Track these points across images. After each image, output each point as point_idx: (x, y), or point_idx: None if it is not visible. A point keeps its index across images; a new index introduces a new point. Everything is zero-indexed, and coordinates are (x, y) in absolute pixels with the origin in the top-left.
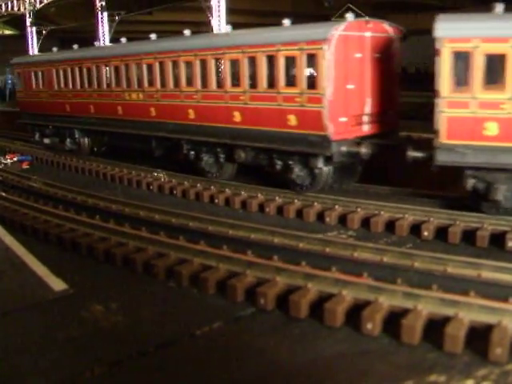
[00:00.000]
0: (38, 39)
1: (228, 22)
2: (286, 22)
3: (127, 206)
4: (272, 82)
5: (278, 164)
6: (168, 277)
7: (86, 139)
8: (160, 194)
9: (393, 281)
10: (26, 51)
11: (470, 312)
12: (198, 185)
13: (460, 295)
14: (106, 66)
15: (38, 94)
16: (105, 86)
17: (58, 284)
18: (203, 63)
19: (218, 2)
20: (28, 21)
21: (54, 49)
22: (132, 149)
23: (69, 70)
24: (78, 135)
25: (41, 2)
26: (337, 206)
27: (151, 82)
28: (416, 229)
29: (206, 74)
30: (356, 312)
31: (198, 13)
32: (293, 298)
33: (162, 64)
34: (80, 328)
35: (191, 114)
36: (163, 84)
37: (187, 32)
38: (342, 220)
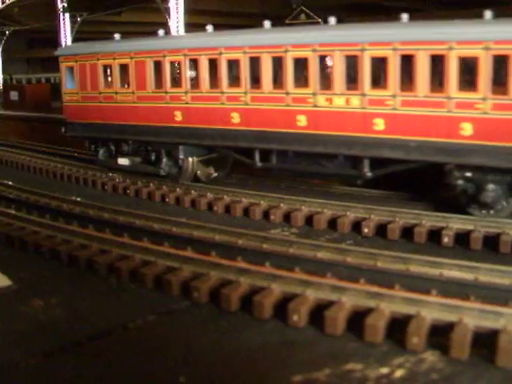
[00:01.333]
0: (1, 40)
1: (192, 24)
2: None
3: (78, 205)
4: None
5: None
6: (109, 273)
7: (191, 160)
8: (114, 194)
9: (323, 275)
10: None
11: (392, 304)
12: (151, 184)
13: (384, 288)
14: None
15: (112, 97)
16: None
17: (2, 280)
18: None
19: (176, 3)
20: None
21: (161, 31)
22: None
23: (185, 63)
24: (183, 155)
25: (3, 2)
26: (282, 205)
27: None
28: (358, 226)
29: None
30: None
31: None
32: (224, 292)
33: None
34: (18, 322)
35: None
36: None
37: None
38: (287, 218)
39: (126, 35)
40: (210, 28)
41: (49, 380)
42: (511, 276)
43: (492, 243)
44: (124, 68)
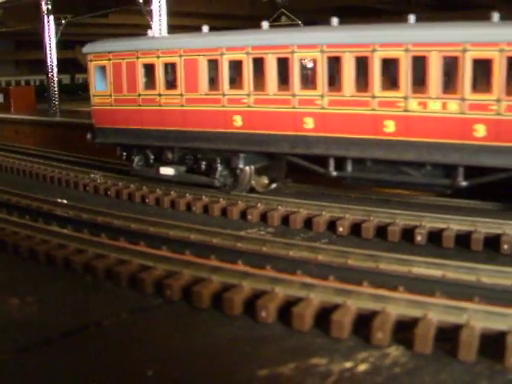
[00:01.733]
0: None
1: (180, 26)
2: None
3: (58, 206)
4: None
5: None
6: (85, 271)
7: (249, 169)
8: (95, 195)
9: (293, 273)
10: None
11: (359, 300)
12: (132, 185)
13: (352, 285)
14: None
15: (154, 100)
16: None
17: None
18: None
19: (159, 6)
20: None
21: (205, 28)
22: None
23: (248, 62)
24: (242, 163)
25: None
26: (259, 205)
27: None
28: (333, 225)
29: None
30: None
31: None
32: (195, 289)
33: None
34: None
35: None
36: None
37: None
38: (264, 218)
39: (112, 37)
40: (265, 24)
41: (20, 375)
42: (478, 273)
43: (464, 241)
44: (170, 67)
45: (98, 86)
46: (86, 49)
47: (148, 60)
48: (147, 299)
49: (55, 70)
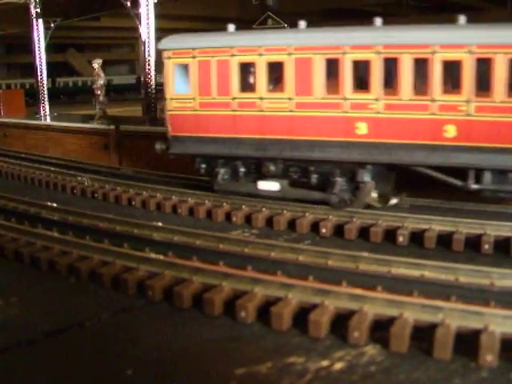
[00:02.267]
0: None
1: (171, 29)
2: None
3: (44, 209)
4: None
5: None
6: (69, 273)
7: (370, 182)
8: (83, 198)
9: (273, 273)
10: None
11: (336, 300)
12: (118, 188)
13: (331, 285)
14: None
15: (254, 104)
16: None
17: None
18: None
19: (147, 9)
20: None
21: (302, 23)
22: None
23: (377, 63)
24: (367, 176)
25: None
26: (244, 206)
27: None
28: (317, 226)
29: None
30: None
31: None
32: (177, 290)
33: None
34: None
35: None
36: None
37: None
38: (249, 219)
39: (103, 40)
40: (378, 21)
41: (1, 375)
42: (455, 272)
43: (446, 242)
44: (276, 67)
45: (178, 88)
46: (164, 44)
47: (247, 58)
48: (130, 300)
49: (45, 73)
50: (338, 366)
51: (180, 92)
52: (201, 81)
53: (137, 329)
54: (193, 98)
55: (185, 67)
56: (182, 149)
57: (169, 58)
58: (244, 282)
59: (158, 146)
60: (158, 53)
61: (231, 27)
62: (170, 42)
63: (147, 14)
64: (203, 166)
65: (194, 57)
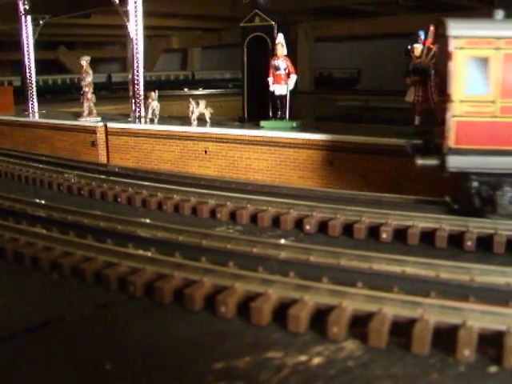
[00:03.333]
0: None
1: (160, 26)
2: None
3: (29, 206)
4: None
5: None
6: (53, 269)
7: None
8: (69, 195)
9: (254, 269)
10: None
11: (316, 295)
12: (104, 185)
13: (311, 281)
14: None
15: None
16: None
17: None
18: None
19: (135, 6)
20: None
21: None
22: None
23: None
24: None
25: None
26: (228, 203)
27: None
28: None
29: None
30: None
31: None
32: (158, 285)
33: None
34: None
35: None
36: None
37: None
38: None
39: (94, 38)
40: None
41: None
42: (436, 268)
43: (429, 238)
44: None
45: (472, 88)
46: (455, 30)
47: None
48: (111, 295)
49: (33, 70)
50: (316, 360)
51: (475, 93)
52: (506, 79)
53: (117, 324)
54: (492, 101)
55: (483, 61)
56: (466, 164)
57: (461, 48)
58: (225, 277)
59: (420, 162)
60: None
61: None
62: (463, 27)
63: (135, 12)
64: (476, 184)
65: (497, 48)
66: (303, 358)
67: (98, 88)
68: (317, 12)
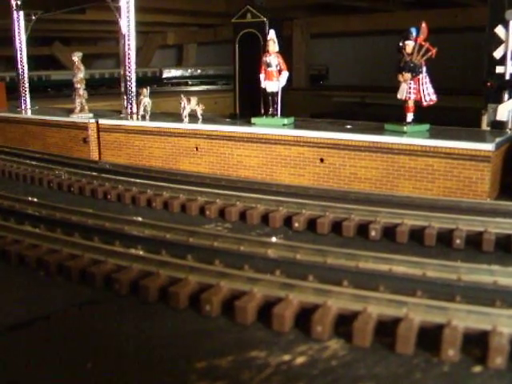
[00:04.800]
0: None
1: (155, 22)
2: None
3: (18, 203)
4: None
5: None
6: (38, 267)
7: None
8: (59, 191)
9: (240, 267)
10: None
11: (301, 294)
12: (94, 182)
13: (295, 279)
14: None
15: None
16: None
17: None
18: None
19: (127, 2)
20: None
21: None
22: None
23: None
24: None
25: None
26: (218, 200)
27: None
28: (290, 221)
29: None
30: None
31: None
32: (143, 284)
33: None
34: None
35: None
36: None
37: None
38: (222, 213)
39: (89, 34)
40: None
41: None
42: (424, 267)
43: (418, 236)
44: None
45: None
46: None
47: None
48: (96, 293)
49: (26, 66)
50: (300, 360)
51: None
52: None
53: (101, 322)
54: None
55: None
56: None
57: None
58: (210, 275)
59: None
60: None
61: None
62: None
63: (127, 8)
64: None
65: None
66: (286, 357)
67: (150, 82)
68: (311, 8)
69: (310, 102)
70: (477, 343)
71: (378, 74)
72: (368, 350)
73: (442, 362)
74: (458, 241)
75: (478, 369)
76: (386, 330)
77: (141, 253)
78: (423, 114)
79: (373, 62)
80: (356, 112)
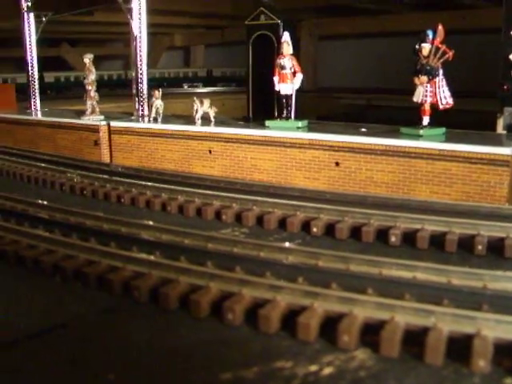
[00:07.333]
0: None
1: (163, 24)
2: None
3: (31, 206)
4: None
5: None
6: (55, 272)
7: None
8: (72, 195)
9: (261, 274)
10: None
11: (326, 302)
12: (107, 185)
13: (319, 287)
14: None
15: None
16: None
17: None
18: None
19: (139, 4)
20: None
21: None
22: None
23: None
24: None
25: None
26: (234, 205)
27: None
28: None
29: None
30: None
31: None
32: (163, 291)
33: None
34: None
35: None
36: None
37: None
38: (239, 218)
39: (97, 35)
40: None
41: None
42: (448, 275)
43: (438, 242)
44: None
45: None
46: None
47: None
48: (115, 300)
49: (36, 67)
50: (327, 370)
51: None
52: None
53: (121, 331)
54: None
55: None
56: None
57: None
58: (231, 283)
59: None
60: None
61: None
62: None
63: (139, 9)
64: None
65: None
66: (313, 367)
67: (199, 81)
68: (319, 10)
69: (316, 104)
70: (508, 354)
71: (384, 76)
72: (396, 361)
73: (473, 373)
74: (479, 247)
75: (509, 381)
76: (414, 339)
77: (159, 259)
78: (435, 116)
79: (380, 64)
80: (363, 114)
